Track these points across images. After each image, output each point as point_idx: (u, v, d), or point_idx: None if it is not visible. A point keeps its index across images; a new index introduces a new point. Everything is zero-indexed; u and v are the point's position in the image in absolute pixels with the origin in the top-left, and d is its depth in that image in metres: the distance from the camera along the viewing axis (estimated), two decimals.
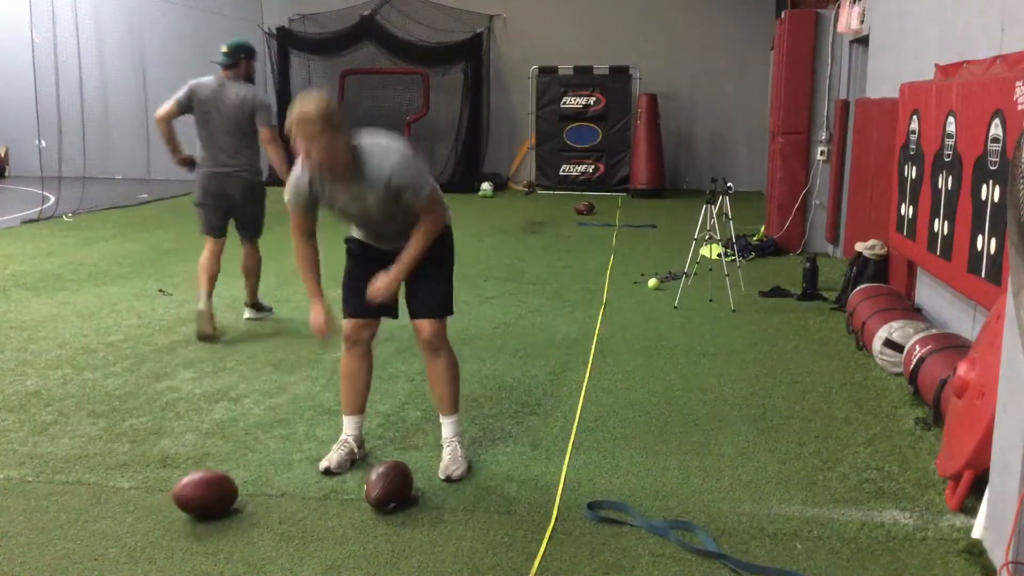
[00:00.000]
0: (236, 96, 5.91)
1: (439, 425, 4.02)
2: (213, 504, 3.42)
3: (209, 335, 5.89)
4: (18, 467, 3.87)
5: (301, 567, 3.09)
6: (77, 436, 4.23)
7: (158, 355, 5.57)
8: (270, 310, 6.66)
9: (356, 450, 3.95)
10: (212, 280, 6.03)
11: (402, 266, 3.66)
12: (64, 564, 3.09)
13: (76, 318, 6.47)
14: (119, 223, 11.40)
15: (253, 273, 6.37)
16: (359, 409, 3.98)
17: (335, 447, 3.94)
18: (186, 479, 3.44)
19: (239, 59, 6.01)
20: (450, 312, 3.90)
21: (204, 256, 6.07)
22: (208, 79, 6.02)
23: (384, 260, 3.73)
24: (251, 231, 6.27)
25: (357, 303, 3.78)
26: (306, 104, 3.37)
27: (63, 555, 3.15)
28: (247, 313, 6.53)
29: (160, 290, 7.42)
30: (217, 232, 6.10)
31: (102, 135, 16.41)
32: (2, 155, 17.28)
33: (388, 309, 3.84)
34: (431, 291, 3.82)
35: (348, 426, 3.97)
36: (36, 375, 5.14)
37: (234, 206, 6.09)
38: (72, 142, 13.44)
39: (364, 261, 3.82)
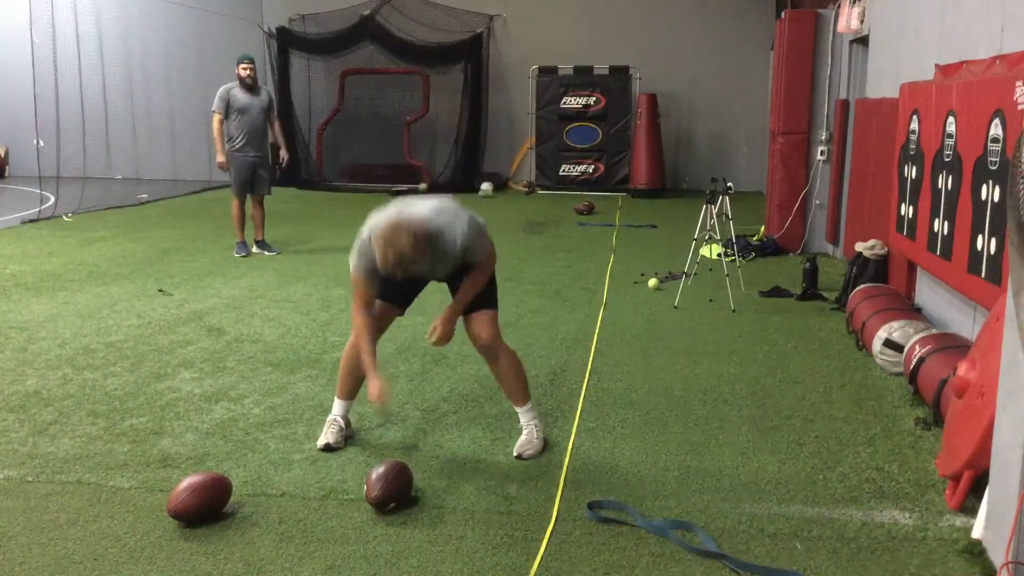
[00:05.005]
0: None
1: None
2: (209, 507, 3.40)
3: None
4: (18, 467, 3.87)
5: (301, 567, 3.09)
6: (77, 436, 4.23)
7: (158, 355, 5.57)
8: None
9: (344, 428, 4.21)
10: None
11: (457, 306, 3.91)
12: (64, 564, 3.09)
13: (76, 318, 6.47)
14: (119, 223, 11.40)
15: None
16: (353, 395, 4.23)
17: (327, 426, 4.18)
18: (176, 490, 3.39)
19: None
20: (492, 306, 4.03)
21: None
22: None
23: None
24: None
25: (381, 291, 3.98)
26: (403, 241, 3.47)
27: (63, 555, 3.15)
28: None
29: (160, 290, 7.41)
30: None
31: (102, 135, 16.40)
32: (2, 155, 17.28)
33: (404, 301, 4.11)
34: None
35: (338, 408, 4.22)
36: (36, 375, 5.15)
37: None
38: (72, 142, 13.43)
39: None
